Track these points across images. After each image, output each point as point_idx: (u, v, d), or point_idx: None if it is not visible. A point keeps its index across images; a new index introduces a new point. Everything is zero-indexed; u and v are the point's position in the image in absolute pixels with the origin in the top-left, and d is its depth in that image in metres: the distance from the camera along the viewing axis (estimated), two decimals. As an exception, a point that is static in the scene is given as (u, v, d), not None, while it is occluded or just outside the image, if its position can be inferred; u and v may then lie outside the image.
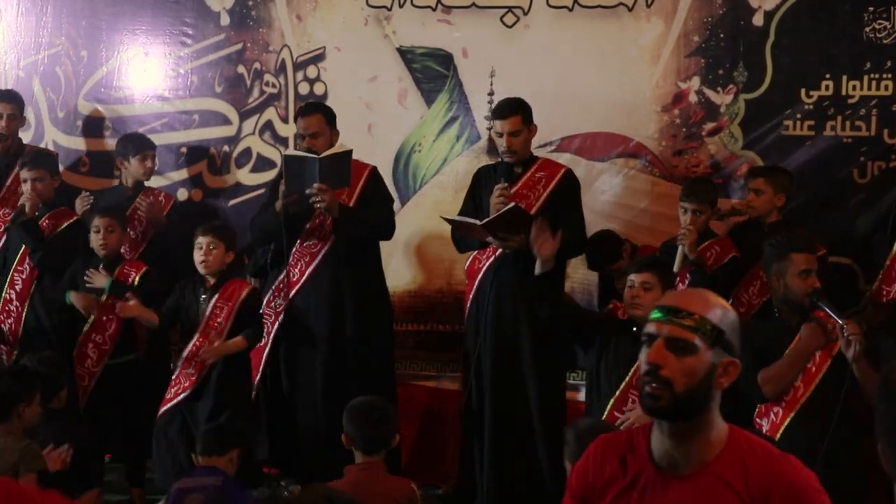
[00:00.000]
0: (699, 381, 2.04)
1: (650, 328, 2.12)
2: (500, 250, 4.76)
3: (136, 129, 5.87)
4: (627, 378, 4.01)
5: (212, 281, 4.83)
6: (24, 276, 5.32)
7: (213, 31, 5.93)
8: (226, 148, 5.94)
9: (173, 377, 4.86)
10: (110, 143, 5.97)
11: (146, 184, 5.61)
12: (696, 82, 5.36)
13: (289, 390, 5.08)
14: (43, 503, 2.07)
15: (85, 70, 6.09)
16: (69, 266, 5.19)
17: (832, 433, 3.79)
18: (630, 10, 5.41)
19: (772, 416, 3.95)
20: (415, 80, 5.69)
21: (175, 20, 5.97)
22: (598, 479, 2.17)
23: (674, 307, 2.10)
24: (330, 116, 5.10)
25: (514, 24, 5.56)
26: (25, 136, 5.90)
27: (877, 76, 5.16)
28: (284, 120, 5.84)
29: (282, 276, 5.03)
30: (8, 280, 5.33)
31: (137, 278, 5.04)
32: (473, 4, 5.59)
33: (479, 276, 4.85)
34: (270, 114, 5.87)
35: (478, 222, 4.62)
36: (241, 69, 5.90)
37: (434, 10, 5.63)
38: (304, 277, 5.01)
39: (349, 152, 4.83)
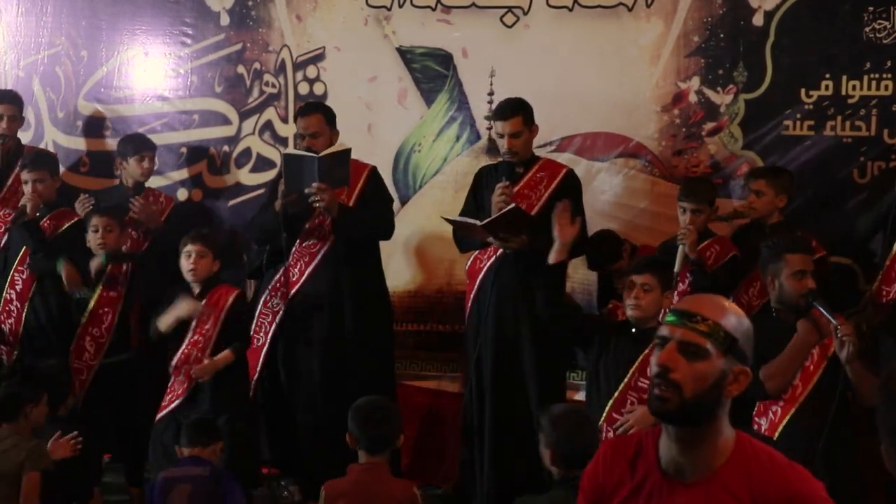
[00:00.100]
0: (709, 387, 2.04)
1: (663, 331, 2.11)
2: (500, 250, 4.76)
3: (137, 129, 5.87)
4: (626, 379, 4.00)
5: (197, 289, 4.82)
6: (24, 277, 5.31)
7: (212, 31, 5.93)
8: (226, 148, 5.94)
9: (169, 385, 4.86)
10: (110, 143, 5.97)
11: (147, 184, 5.62)
12: (696, 82, 5.36)
13: (288, 390, 5.08)
14: None
15: (85, 70, 6.09)
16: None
17: (831, 432, 3.80)
18: (630, 10, 5.41)
19: (770, 414, 3.95)
20: (414, 80, 5.69)
21: (175, 20, 5.97)
22: (607, 481, 2.18)
23: (688, 311, 2.10)
24: (330, 116, 5.10)
25: (514, 24, 5.56)
26: (25, 136, 5.90)
27: (877, 76, 5.16)
28: (284, 120, 5.84)
29: (278, 276, 5.02)
30: (8, 280, 5.33)
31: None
32: (473, 4, 5.59)
33: (480, 276, 4.85)
34: (270, 114, 5.87)
35: (478, 223, 4.62)
36: (240, 69, 5.90)
37: (434, 10, 5.64)
38: (303, 277, 5.00)
39: (348, 151, 4.83)
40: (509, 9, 5.55)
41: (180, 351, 4.77)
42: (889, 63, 5.14)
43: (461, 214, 4.92)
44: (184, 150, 5.99)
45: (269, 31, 5.86)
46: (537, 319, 4.54)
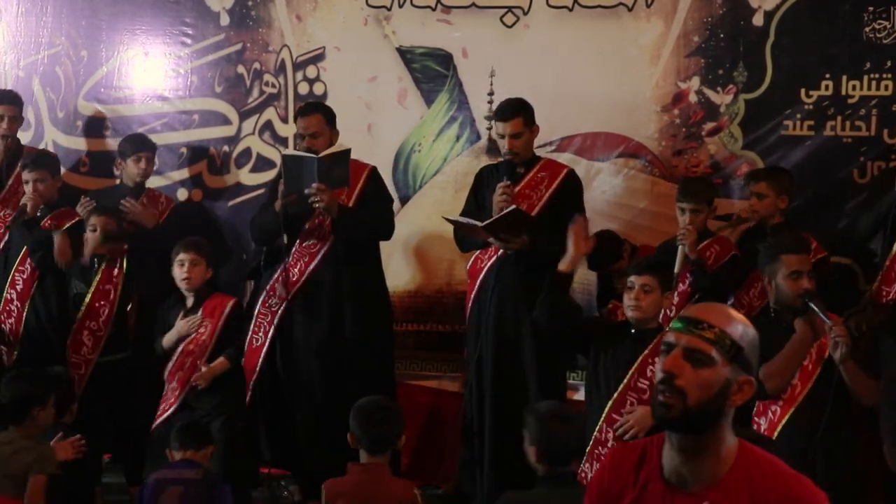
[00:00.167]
0: (713, 394, 2.04)
1: (669, 338, 2.11)
2: (501, 250, 4.76)
3: (137, 129, 5.87)
4: (625, 380, 4.00)
5: (191, 299, 4.82)
6: (25, 277, 5.31)
7: (212, 31, 5.93)
8: (226, 148, 5.94)
9: (163, 394, 4.86)
10: (110, 143, 5.97)
11: (147, 185, 5.62)
12: (695, 82, 5.36)
13: (288, 390, 5.07)
14: None
15: (85, 70, 6.08)
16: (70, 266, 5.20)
17: (831, 432, 3.80)
18: (630, 10, 5.41)
19: (769, 414, 3.95)
20: (415, 80, 5.69)
21: (175, 20, 5.97)
22: (613, 486, 2.18)
23: (695, 318, 2.10)
24: (330, 116, 5.10)
25: (514, 24, 5.56)
26: (25, 136, 5.89)
27: (877, 76, 5.15)
28: (284, 120, 5.84)
29: (276, 276, 5.02)
30: (9, 280, 5.33)
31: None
32: (473, 4, 5.59)
33: (481, 276, 4.85)
34: (270, 114, 5.87)
35: (479, 224, 4.62)
36: (240, 69, 5.90)
37: (434, 10, 5.63)
38: (303, 277, 5.00)
39: (347, 151, 4.83)
40: (509, 9, 5.55)
41: (173, 359, 4.77)
42: (889, 63, 5.14)
43: (462, 214, 4.92)
44: (184, 150, 5.98)
45: (269, 31, 5.86)
46: (534, 322, 4.54)
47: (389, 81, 5.71)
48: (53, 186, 5.35)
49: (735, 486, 2.03)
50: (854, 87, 5.18)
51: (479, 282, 4.86)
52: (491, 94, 5.51)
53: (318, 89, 5.80)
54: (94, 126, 6.07)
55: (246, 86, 5.90)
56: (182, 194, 5.95)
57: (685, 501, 2.06)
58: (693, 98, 5.37)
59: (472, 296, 4.89)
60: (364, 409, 3.68)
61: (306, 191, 4.79)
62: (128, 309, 5.25)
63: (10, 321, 5.29)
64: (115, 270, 5.15)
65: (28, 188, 5.27)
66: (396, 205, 5.48)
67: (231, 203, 5.92)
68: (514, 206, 4.59)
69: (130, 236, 5.21)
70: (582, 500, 2.26)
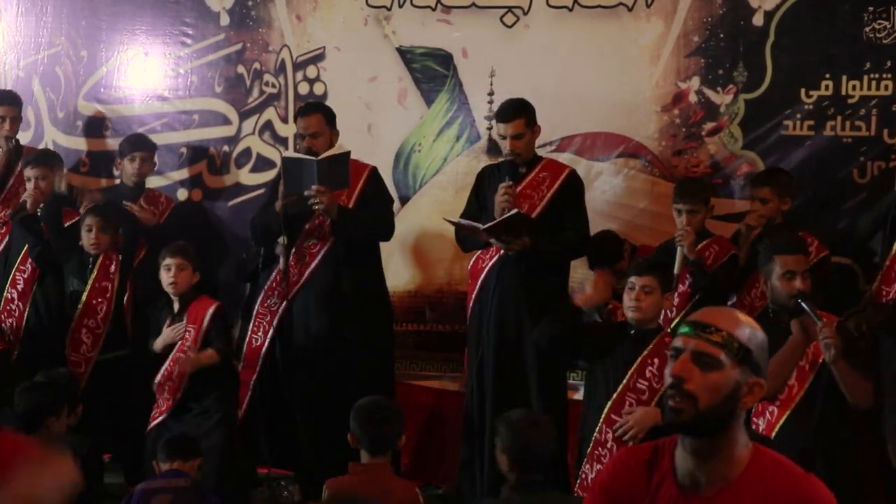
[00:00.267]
0: (723, 397, 2.04)
1: (677, 342, 2.11)
2: (503, 251, 4.76)
3: (137, 129, 5.87)
4: (625, 381, 3.99)
5: (178, 304, 4.83)
6: (25, 276, 5.32)
7: (212, 31, 5.93)
8: (226, 148, 5.94)
9: (154, 402, 4.86)
10: (110, 143, 5.98)
11: (147, 185, 5.62)
12: (695, 82, 5.36)
13: (288, 390, 5.08)
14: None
15: (85, 70, 6.09)
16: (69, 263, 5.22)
17: (826, 432, 3.79)
18: (630, 10, 5.41)
19: (767, 414, 3.95)
20: (415, 80, 5.69)
21: (175, 20, 5.97)
22: (622, 490, 2.17)
23: (702, 322, 2.10)
24: (330, 116, 5.10)
25: (514, 24, 5.56)
26: (25, 136, 5.89)
27: (877, 76, 5.15)
28: (284, 120, 5.84)
29: (273, 276, 5.02)
30: (10, 279, 5.33)
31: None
32: (473, 4, 5.59)
33: (482, 276, 4.85)
34: (270, 114, 5.87)
35: (480, 226, 4.63)
36: (240, 69, 5.90)
37: (434, 10, 5.63)
38: (303, 278, 5.00)
39: (347, 154, 4.83)
40: (509, 9, 5.55)
41: (163, 368, 4.78)
42: (889, 63, 5.14)
43: (463, 215, 4.92)
44: (184, 150, 5.99)
45: (269, 31, 5.86)
46: (533, 343, 4.53)
47: (389, 81, 5.71)
48: (55, 184, 5.35)
49: (749, 488, 2.04)
50: (854, 87, 5.18)
51: (480, 282, 4.86)
52: (491, 94, 5.52)
53: (318, 89, 5.80)
54: (94, 126, 6.08)
55: (246, 86, 5.90)
56: (182, 194, 5.95)
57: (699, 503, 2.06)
58: (693, 98, 5.37)
59: (474, 296, 4.89)
60: (364, 409, 3.68)
61: (306, 193, 4.79)
62: (124, 300, 5.26)
63: (10, 320, 5.30)
64: (112, 266, 5.17)
65: (29, 185, 5.27)
66: (396, 205, 5.48)
67: (231, 203, 5.92)
68: (515, 210, 4.59)
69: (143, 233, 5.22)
70: None
